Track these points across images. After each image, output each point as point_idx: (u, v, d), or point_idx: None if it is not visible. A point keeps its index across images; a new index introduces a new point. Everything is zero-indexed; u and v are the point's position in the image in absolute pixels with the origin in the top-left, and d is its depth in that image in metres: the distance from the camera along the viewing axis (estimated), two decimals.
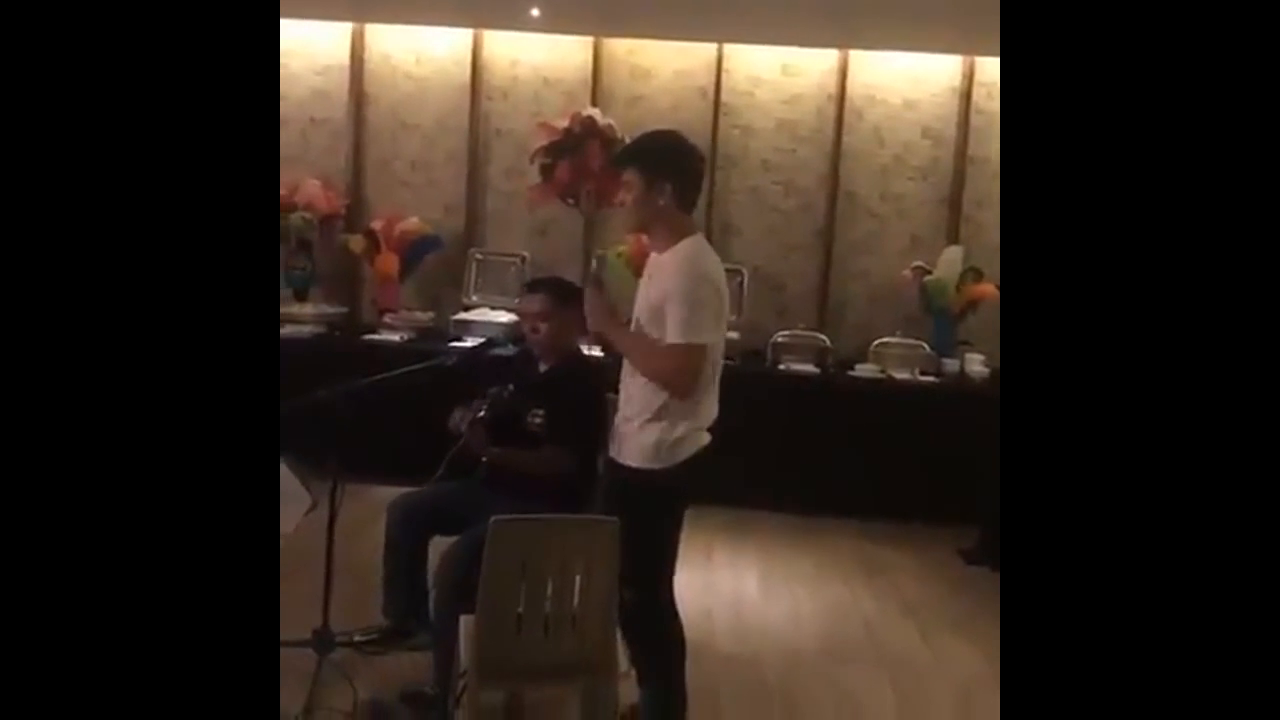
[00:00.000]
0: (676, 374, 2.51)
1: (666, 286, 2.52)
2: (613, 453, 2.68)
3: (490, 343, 3.42)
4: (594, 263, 2.68)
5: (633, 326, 2.66)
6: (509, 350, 3.33)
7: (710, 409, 2.64)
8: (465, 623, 2.55)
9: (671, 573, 2.67)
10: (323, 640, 2.93)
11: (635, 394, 2.60)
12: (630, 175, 2.57)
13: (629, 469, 2.60)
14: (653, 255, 2.68)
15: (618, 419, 2.68)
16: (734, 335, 4.52)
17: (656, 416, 2.54)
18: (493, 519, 2.35)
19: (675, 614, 2.68)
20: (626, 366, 2.66)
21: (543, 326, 3.07)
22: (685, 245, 2.56)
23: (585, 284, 2.71)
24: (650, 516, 2.57)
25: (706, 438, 2.62)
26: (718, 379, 2.65)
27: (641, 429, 2.56)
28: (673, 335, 2.48)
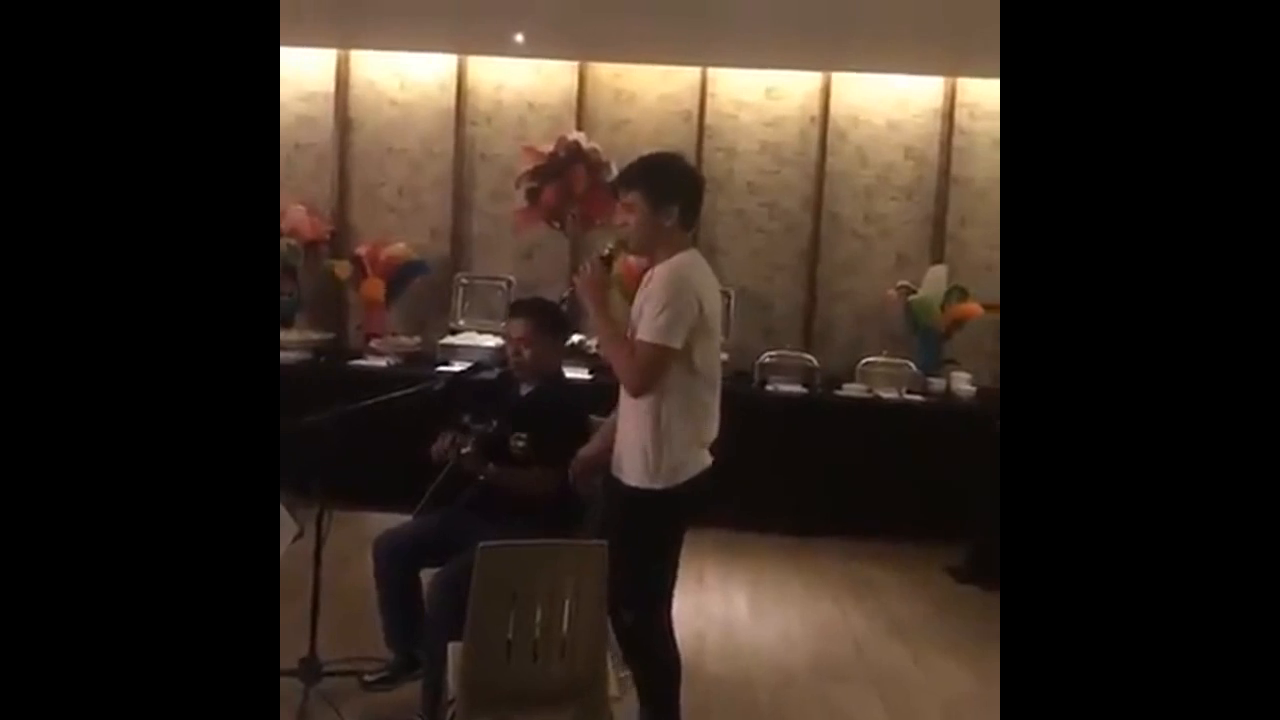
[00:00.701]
0: (633, 370, 2.51)
1: (649, 291, 2.56)
2: (614, 471, 2.66)
3: (477, 366, 3.40)
4: (610, 245, 2.67)
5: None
6: (492, 374, 3.33)
7: (710, 428, 2.64)
8: (454, 650, 2.54)
9: (671, 593, 2.67)
10: (310, 669, 2.91)
11: (633, 413, 2.59)
12: (635, 197, 2.59)
13: (630, 488, 2.58)
14: (649, 271, 2.70)
15: (618, 438, 2.66)
16: (723, 356, 4.53)
17: (657, 435, 2.53)
18: (480, 545, 2.34)
19: (672, 635, 2.68)
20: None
21: (526, 351, 3.08)
22: (679, 257, 2.60)
23: (592, 259, 2.69)
24: (652, 536, 2.57)
25: (708, 458, 2.62)
26: (717, 399, 2.66)
27: (642, 448, 2.55)
28: (640, 332, 2.51)
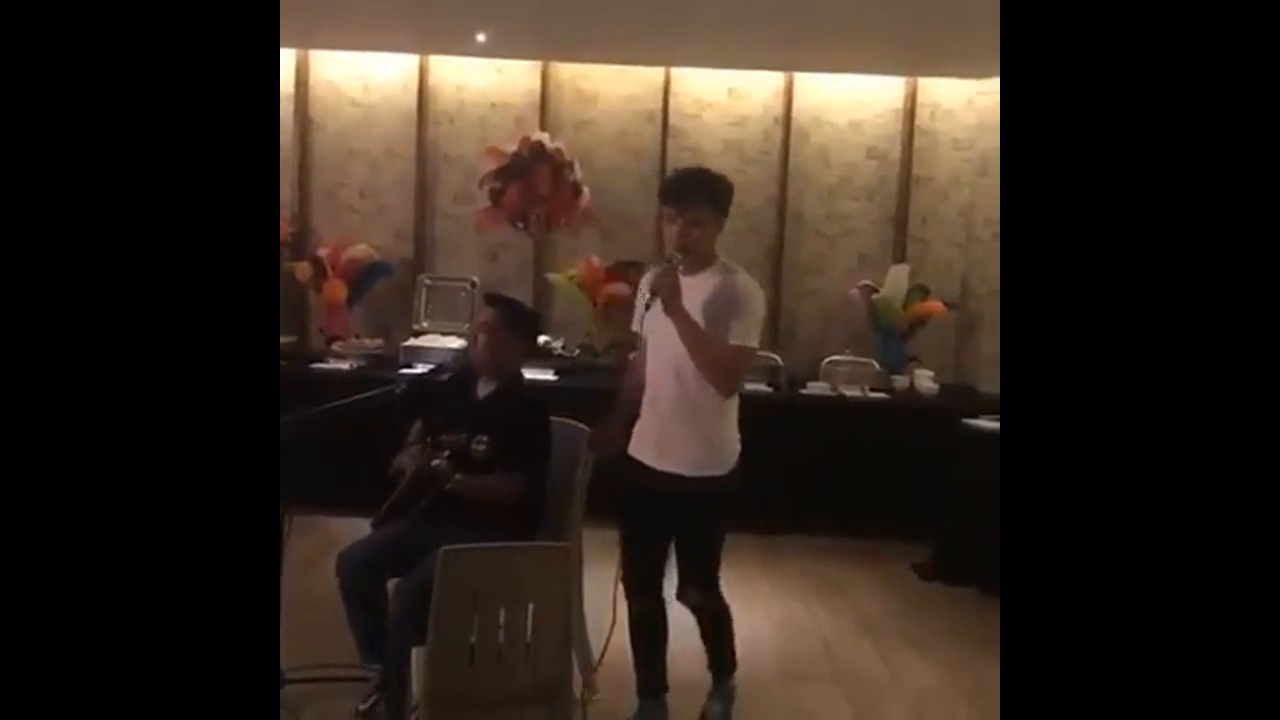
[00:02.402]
0: (731, 372, 2.77)
1: (729, 299, 2.74)
2: (663, 465, 2.82)
3: (440, 369, 3.38)
4: (675, 256, 2.76)
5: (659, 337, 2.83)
6: (443, 375, 3.30)
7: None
8: (417, 655, 2.51)
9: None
10: None
11: (701, 412, 2.78)
12: (703, 212, 2.76)
13: (707, 479, 2.80)
14: (692, 280, 2.77)
15: (660, 430, 2.83)
16: None
17: (729, 427, 2.84)
18: (442, 549, 2.33)
19: None
20: (668, 385, 2.78)
21: (483, 338, 3.07)
22: (735, 271, 2.83)
23: (662, 263, 2.81)
24: (726, 516, 2.89)
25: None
26: None
27: (717, 441, 2.82)
28: (736, 338, 2.73)
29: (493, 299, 3.23)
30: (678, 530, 2.89)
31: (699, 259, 2.79)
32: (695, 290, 2.75)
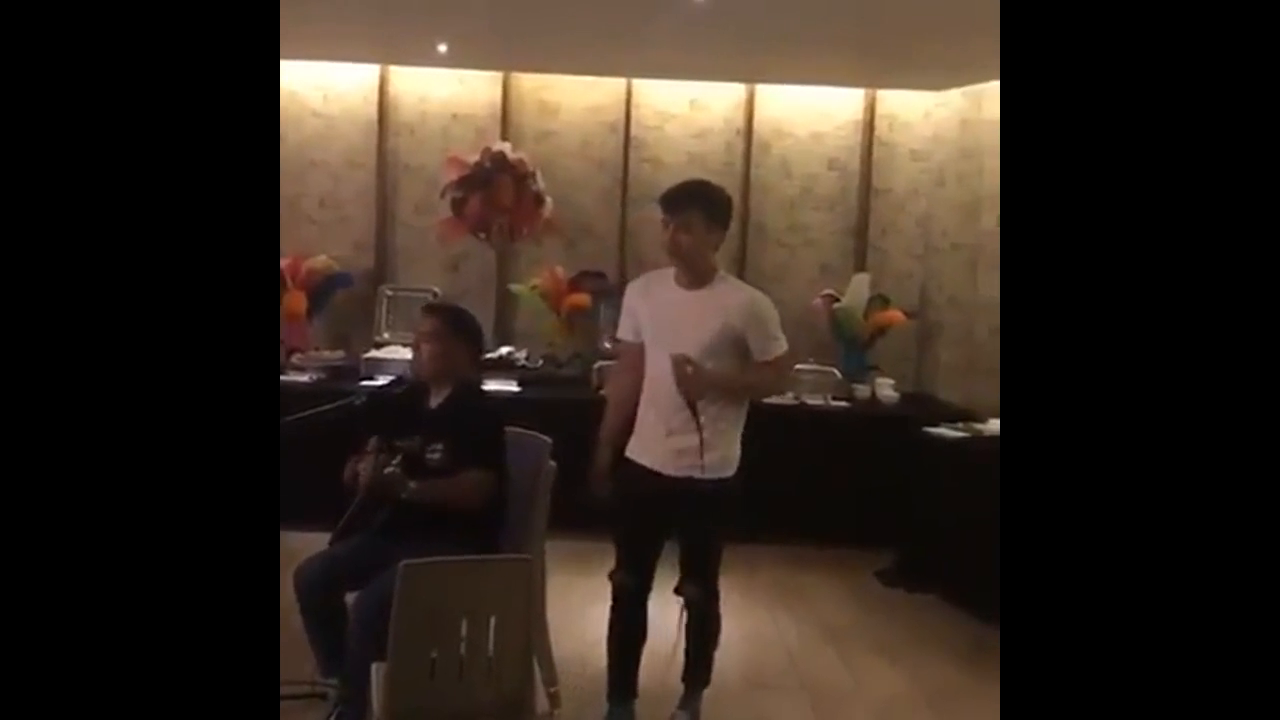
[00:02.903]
0: (784, 379, 3.07)
1: (745, 313, 2.86)
2: (671, 468, 2.88)
3: (398, 380, 3.34)
4: (683, 356, 2.87)
5: (657, 353, 2.93)
6: (398, 387, 3.27)
7: None
8: (377, 671, 2.48)
9: None
10: None
11: (680, 410, 2.84)
12: (692, 218, 2.83)
13: (716, 481, 2.88)
14: (671, 287, 2.92)
15: (661, 435, 2.89)
16: None
17: (738, 431, 2.93)
18: (402, 563, 2.30)
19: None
20: (666, 393, 2.85)
21: (425, 347, 3.04)
22: (739, 284, 2.98)
23: (679, 363, 2.83)
24: (726, 519, 2.98)
25: None
26: None
27: (727, 444, 2.92)
28: (776, 349, 2.91)
29: (431, 309, 3.20)
30: (683, 530, 2.98)
31: (697, 271, 2.87)
32: (702, 306, 2.86)
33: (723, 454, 2.91)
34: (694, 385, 2.81)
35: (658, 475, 2.91)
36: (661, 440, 2.90)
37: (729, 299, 2.88)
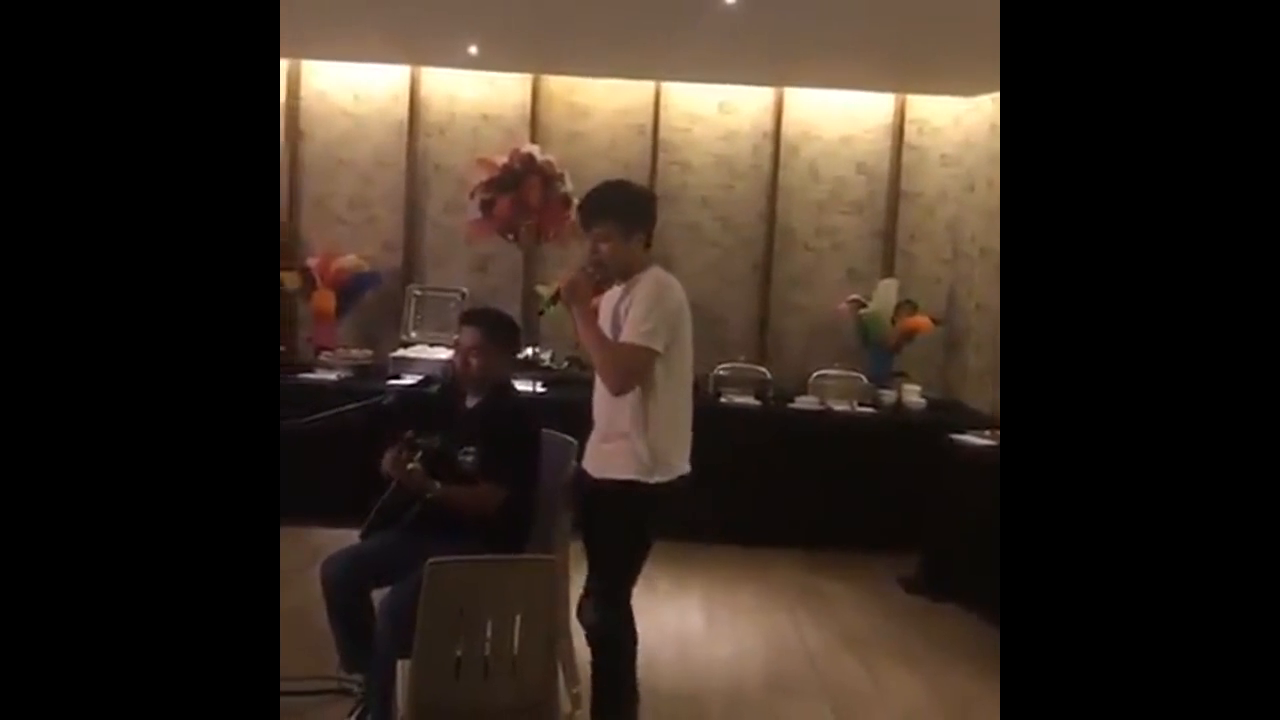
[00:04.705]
0: (618, 369, 2.66)
1: (632, 299, 2.70)
2: (596, 472, 2.78)
3: (428, 380, 3.36)
4: (587, 266, 2.80)
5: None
6: (430, 386, 3.27)
7: (688, 433, 2.82)
8: (402, 668, 2.51)
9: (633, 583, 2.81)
10: None
11: (620, 412, 2.71)
12: (608, 228, 2.76)
13: (620, 482, 2.70)
14: (616, 290, 2.82)
15: (599, 439, 2.79)
16: None
17: (647, 431, 2.68)
18: (429, 561, 2.32)
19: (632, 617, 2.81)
20: (602, 390, 2.76)
21: (475, 361, 3.03)
22: (654, 272, 2.78)
23: (582, 266, 2.79)
24: (638, 528, 2.74)
25: (688, 465, 2.78)
26: (691, 408, 2.82)
27: (632, 444, 2.69)
28: (626, 335, 2.67)
29: (472, 317, 3.15)
30: (584, 536, 2.81)
31: (624, 273, 2.78)
32: (626, 299, 2.76)
33: (617, 453, 2.73)
34: (569, 287, 2.72)
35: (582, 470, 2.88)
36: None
37: (642, 287, 2.74)
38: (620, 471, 2.71)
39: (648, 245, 2.84)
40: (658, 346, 2.65)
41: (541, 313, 3.05)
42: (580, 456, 2.94)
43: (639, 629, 2.82)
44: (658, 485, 2.69)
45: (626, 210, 2.79)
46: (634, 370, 2.65)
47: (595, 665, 2.77)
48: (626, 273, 2.79)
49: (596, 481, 2.78)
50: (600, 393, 2.79)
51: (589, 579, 2.76)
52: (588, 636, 2.76)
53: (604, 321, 2.79)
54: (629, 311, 2.69)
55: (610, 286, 2.83)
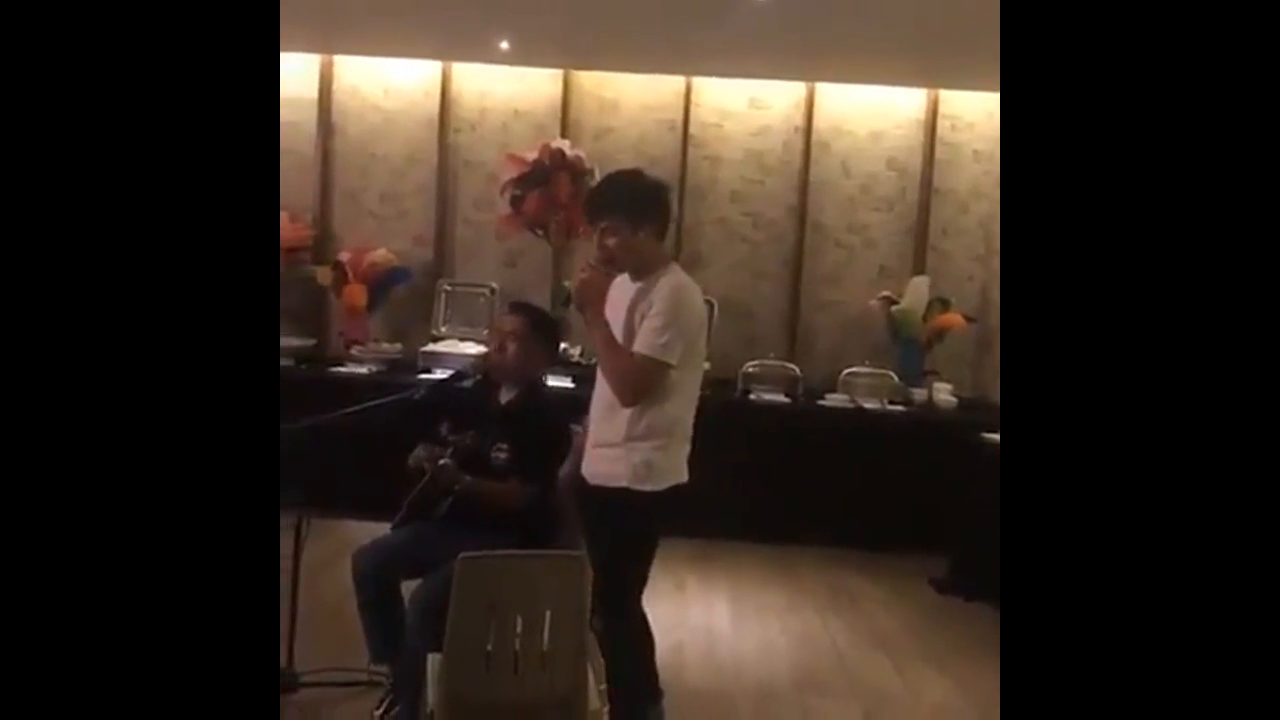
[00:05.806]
0: (630, 380, 2.56)
1: (648, 303, 2.58)
2: (595, 479, 2.68)
3: (459, 375, 3.36)
4: (593, 261, 2.72)
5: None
6: (468, 382, 3.27)
7: (687, 443, 2.69)
8: (433, 661, 2.51)
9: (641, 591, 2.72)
10: (287, 679, 2.87)
11: (621, 420, 2.61)
12: (614, 222, 2.64)
13: (619, 490, 2.60)
14: (625, 279, 2.71)
15: (597, 444, 2.69)
16: (705, 365, 4.53)
17: (648, 440, 2.58)
18: (460, 556, 2.32)
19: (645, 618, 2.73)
20: (603, 394, 2.68)
21: (511, 346, 3.03)
22: (671, 274, 2.66)
23: (594, 266, 2.69)
24: (641, 536, 2.63)
25: (685, 473, 2.66)
26: (693, 416, 2.70)
27: (629, 452, 2.59)
28: (640, 345, 2.55)
29: (518, 307, 3.19)
30: (585, 542, 2.76)
31: (635, 267, 2.68)
32: (639, 295, 2.65)
33: (617, 459, 2.63)
34: (591, 286, 2.63)
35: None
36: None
37: (641, 286, 2.64)
38: (613, 479, 2.62)
39: (661, 238, 2.73)
40: (672, 360, 2.55)
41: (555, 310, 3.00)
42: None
43: (666, 627, 2.77)
44: (650, 494, 2.59)
45: (633, 202, 2.67)
46: (646, 383, 2.56)
47: (607, 670, 2.71)
48: (639, 268, 2.67)
49: (591, 487, 2.70)
50: (599, 396, 2.70)
51: (593, 584, 2.62)
52: (598, 641, 2.68)
53: (616, 316, 2.67)
54: (645, 318, 2.58)
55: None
